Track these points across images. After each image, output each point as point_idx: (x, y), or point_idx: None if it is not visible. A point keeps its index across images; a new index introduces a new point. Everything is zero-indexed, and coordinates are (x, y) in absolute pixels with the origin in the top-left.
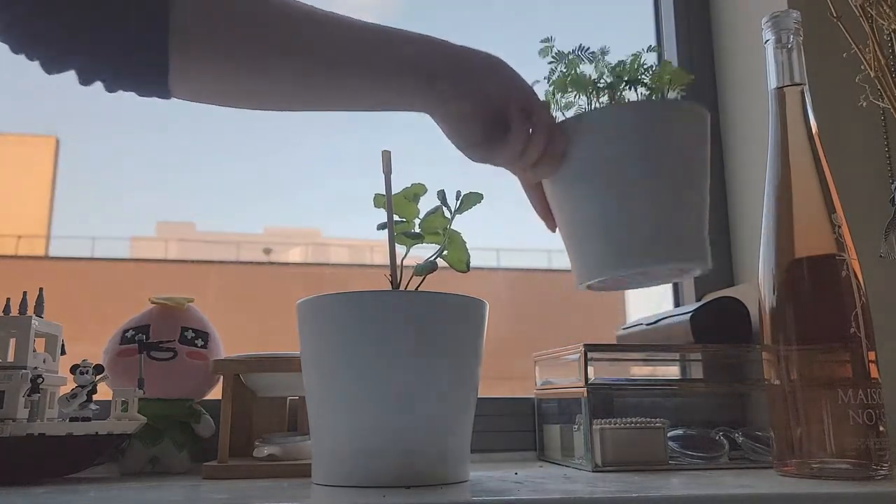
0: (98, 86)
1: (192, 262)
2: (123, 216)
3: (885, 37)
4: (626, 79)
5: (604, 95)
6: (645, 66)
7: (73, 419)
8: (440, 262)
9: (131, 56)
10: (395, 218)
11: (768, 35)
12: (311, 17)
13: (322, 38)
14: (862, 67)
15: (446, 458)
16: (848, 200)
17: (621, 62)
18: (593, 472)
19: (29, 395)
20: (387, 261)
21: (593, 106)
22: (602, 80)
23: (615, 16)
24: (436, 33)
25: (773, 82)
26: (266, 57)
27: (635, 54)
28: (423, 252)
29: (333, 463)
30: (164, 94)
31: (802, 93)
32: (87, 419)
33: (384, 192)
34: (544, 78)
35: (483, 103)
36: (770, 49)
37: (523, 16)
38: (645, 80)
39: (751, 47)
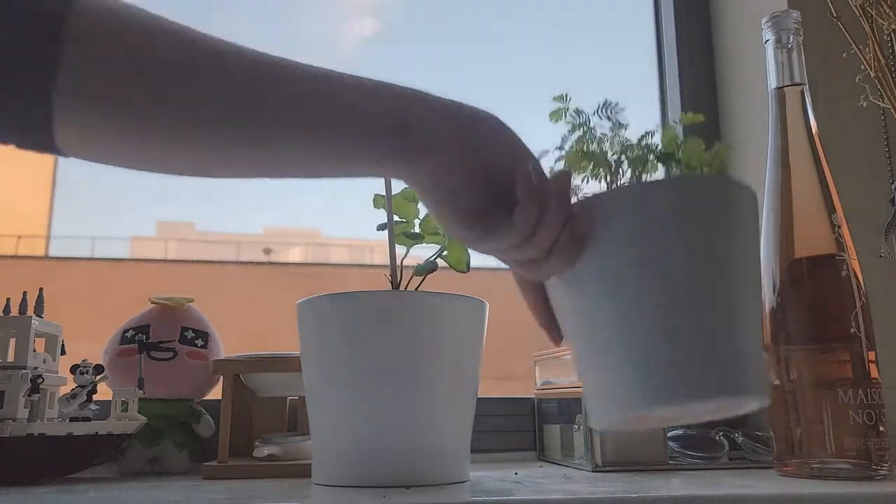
0: None
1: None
2: (123, 216)
3: (885, 37)
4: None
5: (626, 172)
6: (678, 141)
7: (73, 419)
8: (440, 262)
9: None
10: (395, 218)
11: (768, 35)
12: (246, 69)
13: (266, 94)
14: (862, 67)
15: (446, 458)
16: (848, 200)
17: (648, 133)
18: (593, 472)
19: (29, 395)
20: (387, 261)
21: (614, 184)
22: (625, 155)
23: (615, 15)
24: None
25: (773, 82)
26: (189, 125)
27: (667, 128)
28: (423, 252)
29: (333, 463)
30: (51, 147)
31: (802, 93)
32: (87, 419)
33: (384, 193)
34: (556, 148)
35: (479, 174)
36: (770, 49)
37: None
38: (678, 157)
39: (751, 47)
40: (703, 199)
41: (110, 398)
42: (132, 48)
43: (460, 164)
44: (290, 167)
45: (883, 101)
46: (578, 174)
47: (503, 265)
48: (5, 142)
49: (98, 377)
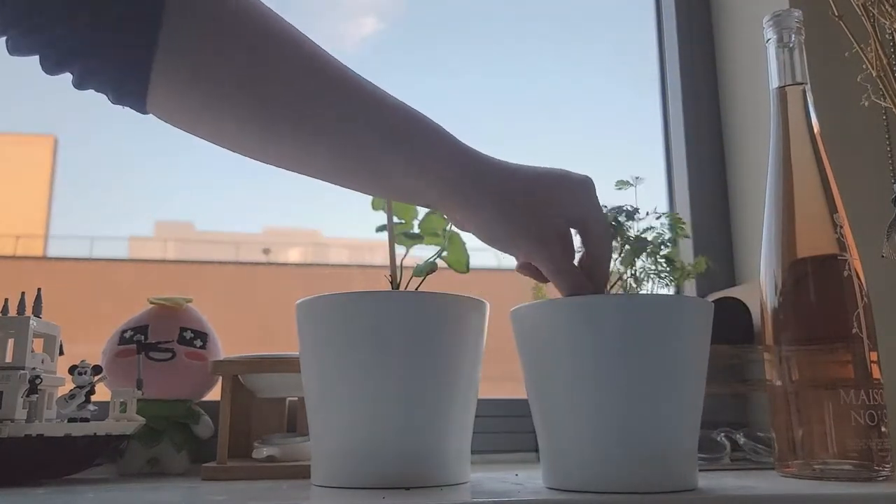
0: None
1: (191, 262)
2: (122, 216)
3: (886, 36)
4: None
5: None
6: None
7: (71, 420)
8: (440, 262)
9: (116, 41)
10: (395, 219)
11: (770, 34)
12: (351, 91)
13: (371, 116)
14: (864, 67)
15: (446, 459)
16: (850, 200)
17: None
18: None
19: (27, 396)
20: (387, 261)
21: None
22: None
23: (616, 14)
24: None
25: (774, 82)
26: (302, 128)
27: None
28: (423, 252)
29: (333, 464)
30: (140, 105)
31: (804, 92)
32: (86, 420)
33: None
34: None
35: (526, 230)
36: (771, 48)
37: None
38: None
39: (752, 46)
40: (652, 315)
41: (109, 399)
42: (237, 26)
43: (514, 227)
44: (350, 179)
45: (885, 101)
46: None
47: (503, 265)
48: (103, 91)
49: (96, 378)
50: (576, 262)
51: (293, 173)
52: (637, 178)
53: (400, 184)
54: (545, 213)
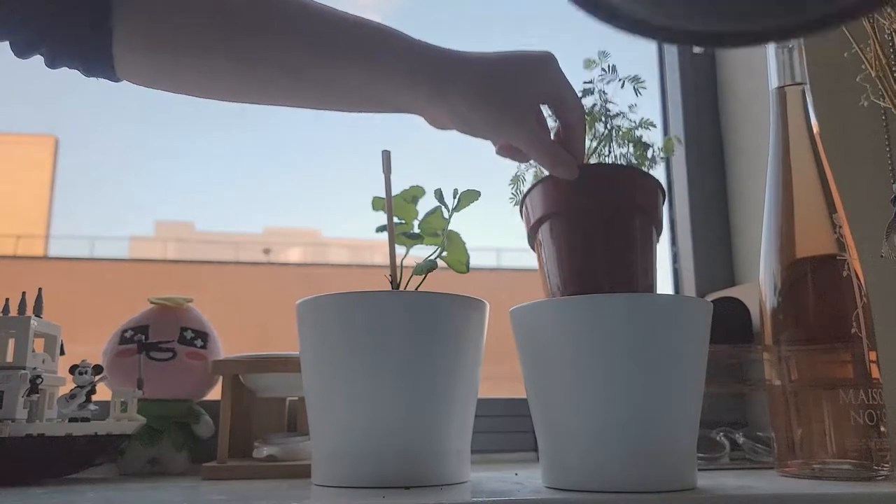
0: (97, 86)
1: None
2: (122, 216)
3: (885, 36)
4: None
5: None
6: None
7: (72, 420)
8: (440, 262)
9: (71, 20)
10: (395, 219)
11: None
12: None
13: (318, 30)
14: (863, 67)
15: (446, 459)
16: (849, 200)
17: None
18: None
19: (28, 396)
20: (387, 261)
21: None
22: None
23: None
24: (434, 34)
25: (773, 82)
26: (253, 47)
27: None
28: (423, 252)
29: (333, 463)
30: (110, 73)
31: (803, 92)
32: (87, 420)
33: (383, 194)
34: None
35: (501, 112)
36: (771, 48)
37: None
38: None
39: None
40: (651, 315)
41: (109, 399)
42: None
43: (485, 110)
44: (325, 100)
45: (884, 101)
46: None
47: (503, 266)
48: (74, 67)
49: (97, 377)
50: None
51: (293, 173)
52: (603, 52)
53: (372, 93)
54: (516, 92)
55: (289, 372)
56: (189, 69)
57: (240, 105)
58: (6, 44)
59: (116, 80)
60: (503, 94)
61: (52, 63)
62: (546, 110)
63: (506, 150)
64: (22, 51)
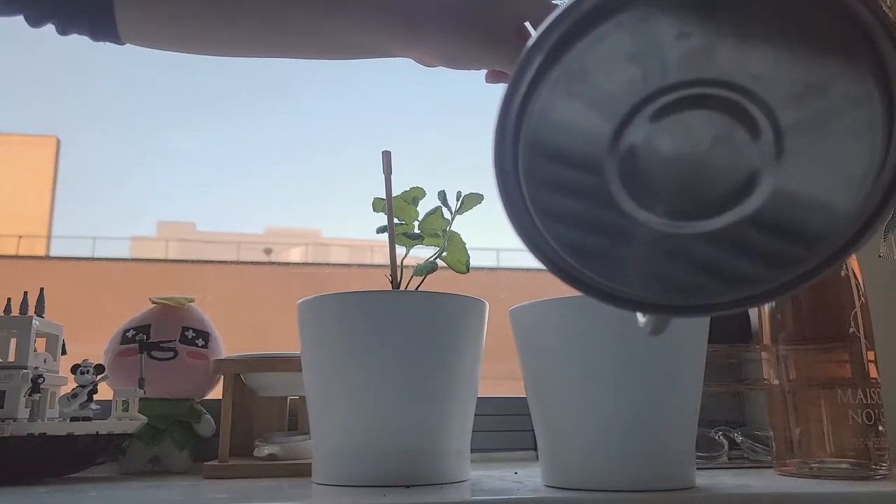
0: (99, 85)
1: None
2: (124, 216)
3: None
4: None
5: None
6: None
7: (73, 419)
8: (440, 262)
9: None
10: (395, 220)
11: None
12: None
13: None
14: None
15: (446, 458)
16: None
17: None
18: None
19: (30, 395)
20: (387, 261)
21: None
22: None
23: None
24: None
25: None
26: (240, 2)
27: None
28: (423, 252)
29: (333, 462)
30: (115, 36)
31: None
32: (88, 419)
33: (383, 195)
34: None
35: (478, 42)
36: None
37: None
38: None
39: None
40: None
41: (111, 398)
42: None
43: (460, 43)
44: (305, 50)
45: None
46: None
47: (503, 265)
48: (84, 33)
49: (99, 377)
50: None
51: (294, 174)
52: None
53: (348, 41)
54: (490, 18)
55: (290, 371)
56: (184, 27)
57: (241, 107)
58: (6, 42)
59: (121, 43)
60: (477, 24)
61: (63, 30)
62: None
63: (493, 77)
64: (35, 21)
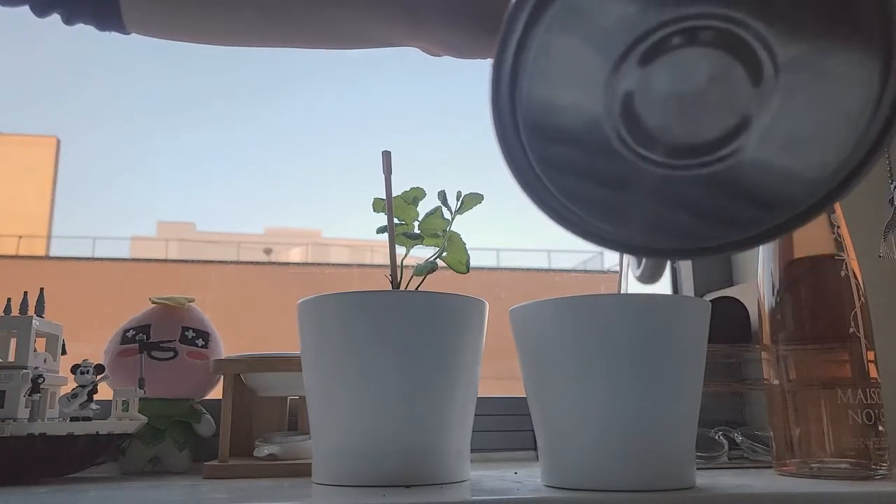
0: (99, 85)
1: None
2: (124, 216)
3: None
4: None
5: None
6: None
7: (73, 419)
8: (440, 262)
9: None
10: (395, 220)
11: None
12: None
13: None
14: None
15: (446, 458)
16: (847, 200)
17: None
18: None
19: (30, 395)
20: (387, 261)
21: None
22: None
23: None
24: None
25: None
26: None
27: None
28: (423, 252)
29: (333, 462)
30: (120, 25)
31: None
32: (88, 419)
33: (383, 195)
34: None
35: (482, 30)
36: None
37: None
38: None
39: None
40: (650, 314)
41: (111, 398)
42: None
43: (465, 32)
44: (305, 39)
45: None
46: None
47: (503, 265)
48: (89, 23)
49: (99, 377)
50: None
51: (294, 174)
52: None
53: (353, 32)
54: (497, 5)
55: (290, 371)
56: (189, 16)
57: (241, 106)
58: (7, 42)
59: (126, 32)
60: (479, 11)
61: (68, 20)
62: None
63: None
64: (41, 10)
